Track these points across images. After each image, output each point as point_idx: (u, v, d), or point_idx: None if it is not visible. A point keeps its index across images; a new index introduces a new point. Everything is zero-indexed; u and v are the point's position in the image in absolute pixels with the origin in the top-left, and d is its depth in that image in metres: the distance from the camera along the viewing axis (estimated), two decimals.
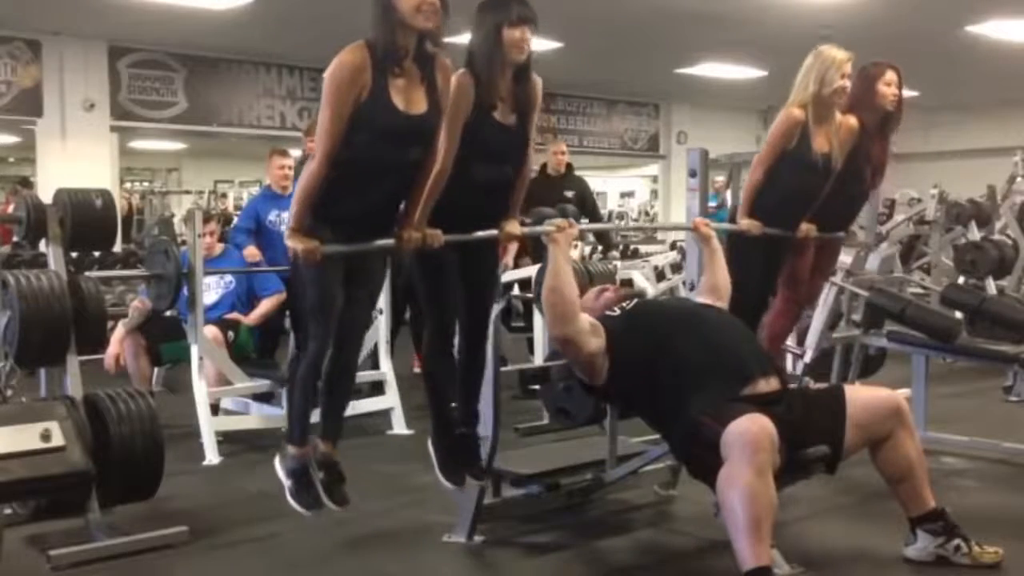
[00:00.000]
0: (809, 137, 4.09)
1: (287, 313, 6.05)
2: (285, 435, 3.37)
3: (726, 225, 4.28)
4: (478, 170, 3.27)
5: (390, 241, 3.18)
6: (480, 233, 3.35)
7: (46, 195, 4.29)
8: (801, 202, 4.22)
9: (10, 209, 5.96)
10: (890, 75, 4.31)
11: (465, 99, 3.20)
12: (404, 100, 3.01)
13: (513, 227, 3.41)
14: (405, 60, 3.00)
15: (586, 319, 3.46)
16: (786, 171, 4.13)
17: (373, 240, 3.16)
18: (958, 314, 5.61)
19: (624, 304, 3.64)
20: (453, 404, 3.56)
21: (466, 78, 3.21)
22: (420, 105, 3.05)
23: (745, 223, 4.14)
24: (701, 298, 3.88)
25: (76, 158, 9.47)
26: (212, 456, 4.93)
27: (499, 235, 3.40)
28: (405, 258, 3.44)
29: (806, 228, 4.25)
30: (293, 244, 3.02)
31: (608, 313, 3.58)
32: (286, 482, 3.31)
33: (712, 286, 3.87)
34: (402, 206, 3.19)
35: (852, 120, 4.24)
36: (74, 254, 4.86)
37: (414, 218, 3.18)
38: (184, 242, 5.82)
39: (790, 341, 5.01)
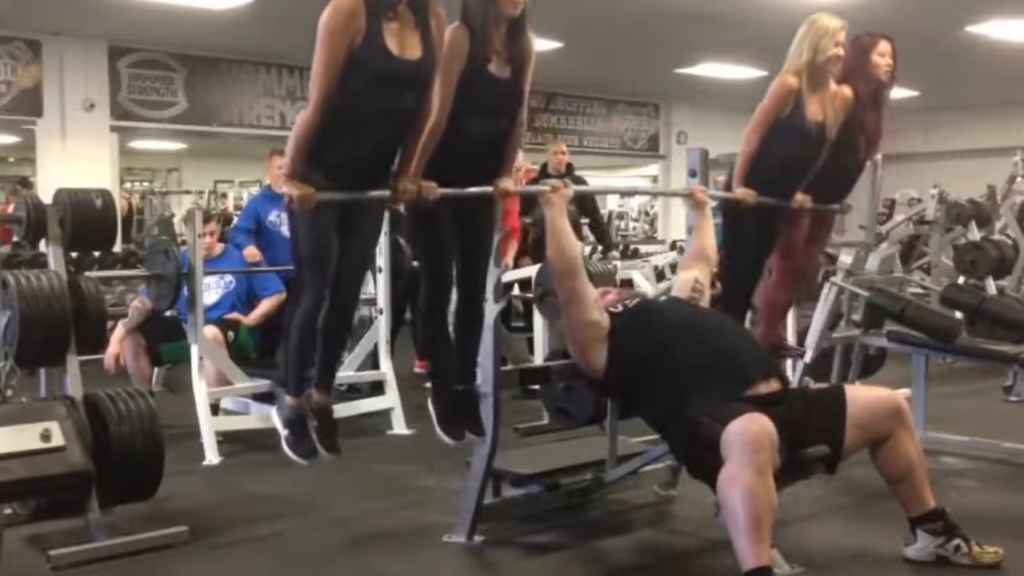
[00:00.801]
0: (803, 105, 4.07)
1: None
2: (282, 386, 3.44)
3: (721, 193, 4.27)
4: (473, 123, 3.27)
5: (386, 192, 3.19)
6: (474, 189, 3.35)
7: (46, 195, 4.29)
8: (796, 171, 4.20)
9: (10, 209, 5.96)
10: (884, 45, 4.32)
11: (459, 52, 3.20)
12: (398, 45, 3.02)
13: (507, 184, 3.42)
14: (399, 4, 3.01)
15: (593, 291, 3.51)
16: (780, 139, 4.11)
17: (368, 188, 3.17)
18: (958, 314, 5.60)
19: (626, 303, 3.66)
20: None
21: (460, 31, 3.21)
22: (415, 50, 3.06)
23: (740, 192, 4.13)
24: (690, 270, 3.93)
25: (76, 158, 9.47)
26: (212, 456, 4.93)
27: (494, 192, 3.40)
28: (400, 208, 3.44)
29: (801, 199, 4.24)
30: (289, 190, 3.04)
31: (611, 311, 3.59)
32: (283, 431, 3.39)
33: (700, 250, 3.96)
34: (397, 157, 3.20)
35: (847, 90, 4.23)
36: (74, 254, 4.86)
37: (409, 170, 3.19)
38: (184, 242, 5.82)
39: (790, 341, 5.01)
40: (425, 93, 3.13)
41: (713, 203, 4.17)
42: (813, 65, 4.05)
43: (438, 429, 3.53)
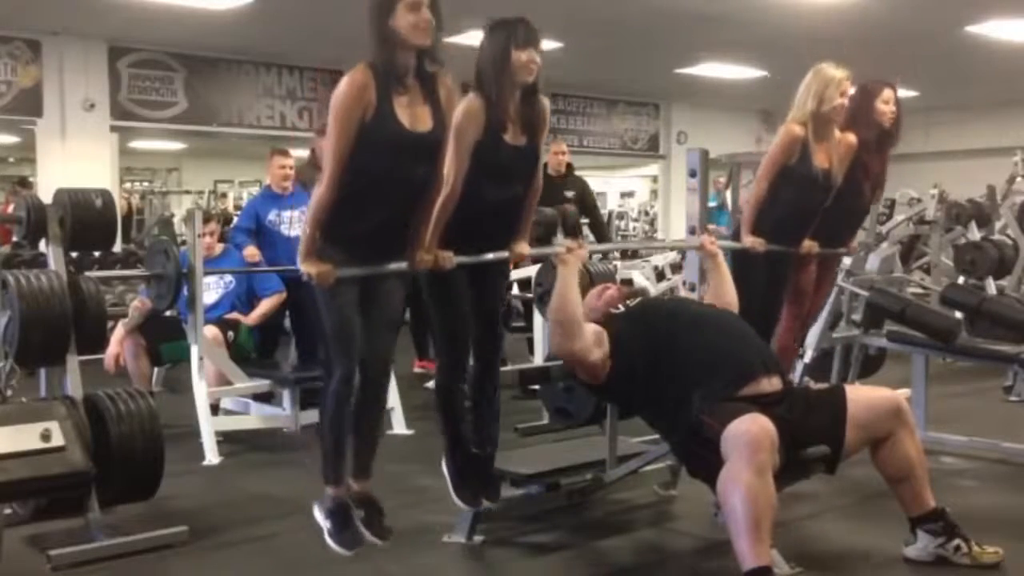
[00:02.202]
0: (809, 153, 4.13)
1: (287, 313, 6.06)
2: (321, 476, 3.28)
3: (730, 243, 4.29)
4: (489, 191, 3.27)
5: (403, 264, 3.17)
6: (491, 255, 3.35)
7: (46, 195, 4.29)
8: (803, 218, 4.26)
9: (10, 209, 5.96)
10: (887, 93, 4.38)
11: (476, 123, 3.21)
12: (409, 117, 3.03)
13: (523, 247, 3.43)
14: (407, 78, 3.02)
15: (590, 330, 3.45)
16: (787, 187, 4.17)
17: (385, 261, 3.15)
18: (958, 314, 5.61)
19: (628, 302, 3.65)
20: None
21: (476, 101, 3.22)
22: (425, 122, 3.06)
23: (749, 240, 4.17)
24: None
25: (76, 158, 9.47)
26: (212, 456, 4.93)
27: (509, 256, 3.40)
28: (418, 279, 3.40)
29: (808, 245, 4.30)
30: (307, 268, 3.02)
31: (612, 311, 3.58)
32: (324, 524, 3.25)
33: (717, 302, 3.85)
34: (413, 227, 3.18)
35: (851, 137, 4.29)
36: (74, 254, 4.86)
37: (425, 240, 3.18)
38: (184, 242, 5.82)
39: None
40: (437, 163, 3.13)
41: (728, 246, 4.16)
42: (818, 114, 4.11)
43: (453, 496, 3.49)
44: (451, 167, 3.19)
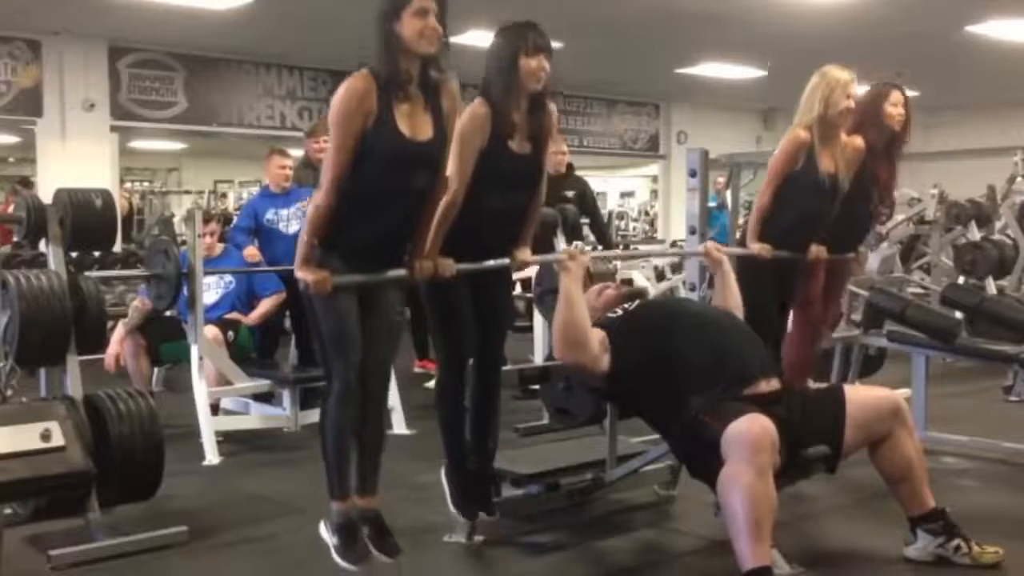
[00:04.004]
0: (815, 158, 4.09)
1: (287, 313, 6.06)
2: (327, 490, 3.22)
3: (736, 250, 4.26)
4: (492, 199, 3.26)
5: (402, 272, 3.14)
6: (492, 262, 3.33)
7: (46, 195, 4.29)
8: (810, 223, 4.21)
9: (10, 209, 5.96)
10: (896, 95, 4.33)
11: (481, 130, 3.19)
12: (410, 126, 2.99)
13: (525, 254, 3.41)
14: (409, 85, 2.99)
15: (596, 337, 3.44)
16: (794, 193, 4.12)
17: (384, 268, 3.11)
18: (958, 314, 5.61)
19: (626, 305, 3.65)
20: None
21: (482, 108, 3.20)
22: (426, 131, 3.03)
23: (755, 247, 4.13)
24: None
25: (76, 158, 9.47)
26: (212, 456, 4.93)
27: (511, 263, 3.39)
28: (418, 287, 3.37)
29: (816, 250, 4.24)
30: (303, 275, 2.97)
31: (609, 315, 3.58)
32: (331, 540, 3.18)
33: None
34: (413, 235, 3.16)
35: (858, 140, 4.24)
36: (74, 254, 4.85)
37: (425, 248, 3.16)
38: (184, 242, 5.82)
39: None
40: (438, 172, 3.10)
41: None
42: (825, 119, 4.06)
43: (451, 508, 3.49)
44: (453, 174, 3.16)
